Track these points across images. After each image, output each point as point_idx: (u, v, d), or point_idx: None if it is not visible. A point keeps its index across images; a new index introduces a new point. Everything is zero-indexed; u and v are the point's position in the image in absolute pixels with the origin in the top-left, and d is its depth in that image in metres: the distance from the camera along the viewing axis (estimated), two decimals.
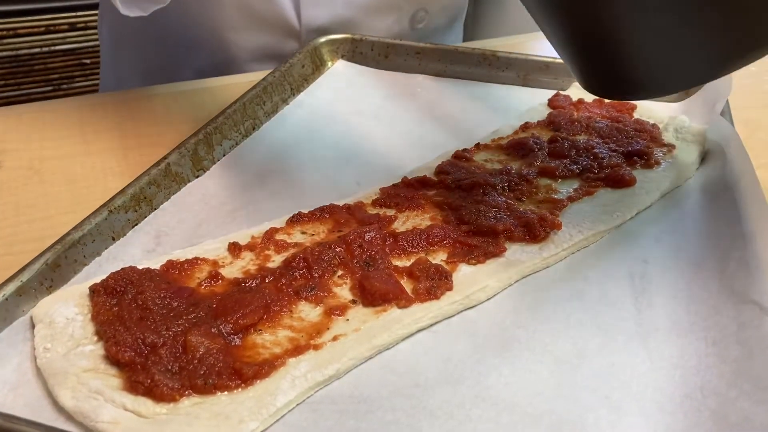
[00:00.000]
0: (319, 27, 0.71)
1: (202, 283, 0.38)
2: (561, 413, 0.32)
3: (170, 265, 0.39)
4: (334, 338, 0.35)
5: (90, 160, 0.52)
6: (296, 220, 0.43)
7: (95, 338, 0.34)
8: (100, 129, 0.56)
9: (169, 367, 0.32)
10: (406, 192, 0.46)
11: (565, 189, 0.47)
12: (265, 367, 0.33)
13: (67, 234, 0.39)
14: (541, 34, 0.39)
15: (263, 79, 0.58)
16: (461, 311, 0.38)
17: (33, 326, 0.35)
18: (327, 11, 0.71)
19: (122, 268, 0.37)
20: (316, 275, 0.39)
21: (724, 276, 0.38)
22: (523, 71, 0.62)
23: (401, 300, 0.37)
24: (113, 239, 0.41)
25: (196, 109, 0.59)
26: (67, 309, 0.36)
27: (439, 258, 0.41)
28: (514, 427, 0.31)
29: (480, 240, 0.41)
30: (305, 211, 0.44)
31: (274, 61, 0.72)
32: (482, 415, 0.32)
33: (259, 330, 0.35)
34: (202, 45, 0.72)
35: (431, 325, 0.37)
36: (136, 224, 0.43)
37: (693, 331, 0.36)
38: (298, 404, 0.32)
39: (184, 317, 0.35)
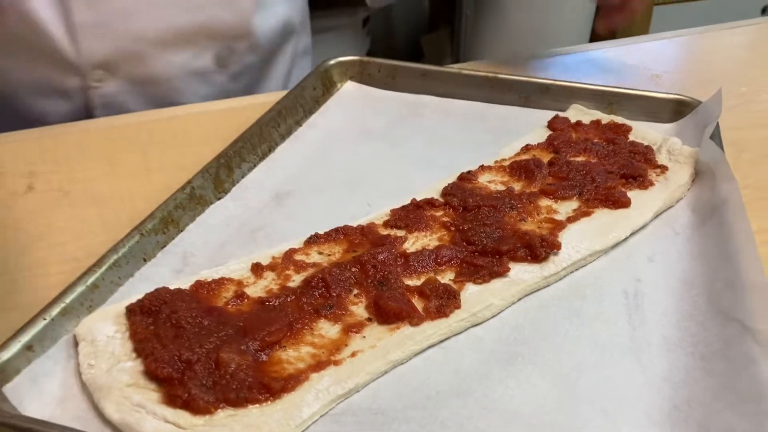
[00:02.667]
0: (102, 61, 0.68)
1: (229, 302, 0.41)
2: (561, 424, 0.35)
3: (199, 285, 0.42)
4: (353, 354, 0.38)
5: (116, 182, 0.55)
6: (313, 240, 0.47)
7: (134, 355, 0.37)
8: (123, 151, 0.60)
9: (204, 382, 0.35)
10: (414, 213, 0.49)
11: (564, 209, 0.50)
12: (290, 382, 0.36)
13: (104, 256, 0.42)
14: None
15: (278, 102, 0.61)
16: (468, 328, 0.41)
17: (76, 344, 0.38)
18: (109, 44, 0.67)
19: (156, 289, 0.40)
20: (334, 294, 0.42)
21: (712, 295, 0.41)
22: (524, 93, 0.65)
23: (413, 318, 0.40)
24: (144, 260, 0.44)
25: (213, 130, 0.62)
26: (106, 328, 0.39)
27: (447, 277, 0.44)
28: None
29: (485, 260, 0.45)
30: (321, 232, 0.47)
31: (62, 98, 0.69)
32: (489, 426, 0.35)
33: (284, 346, 0.38)
34: None
35: (441, 341, 0.40)
36: (165, 246, 0.46)
37: (682, 346, 0.39)
38: (321, 416, 0.35)
39: (215, 335, 0.38)
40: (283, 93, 0.63)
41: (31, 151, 0.59)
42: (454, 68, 0.68)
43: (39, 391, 0.36)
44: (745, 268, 0.40)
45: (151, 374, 0.36)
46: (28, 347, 0.36)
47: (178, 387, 0.35)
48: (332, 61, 0.68)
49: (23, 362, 0.36)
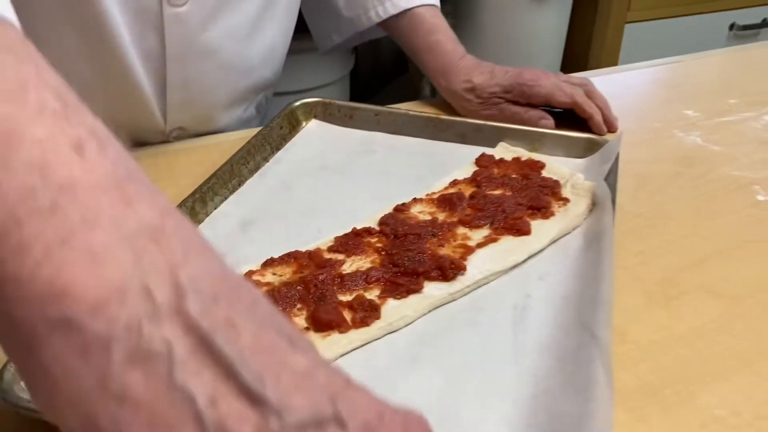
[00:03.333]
0: (182, 126, 0.80)
1: None
2: (445, 408, 0.45)
3: None
4: None
5: None
6: (268, 264, 0.57)
7: None
8: None
9: None
10: (353, 240, 0.60)
11: (476, 236, 0.60)
12: None
13: None
14: None
15: (248, 142, 0.71)
16: (386, 334, 0.52)
17: None
18: (191, 113, 0.79)
19: None
20: (281, 308, 0.52)
21: (579, 308, 0.52)
22: (460, 131, 0.76)
23: (342, 327, 0.51)
24: None
25: (193, 165, 0.73)
26: None
27: (374, 294, 0.54)
28: None
29: (405, 279, 0.55)
30: (276, 256, 0.58)
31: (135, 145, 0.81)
32: None
33: None
34: None
35: (363, 345, 0.51)
36: None
37: (549, 349, 0.49)
38: None
39: None
40: (256, 130, 0.75)
41: None
42: (402, 109, 0.79)
43: None
44: (605, 288, 0.51)
45: None
46: None
47: None
48: (297, 103, 0.79)
49: None
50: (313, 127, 0.79)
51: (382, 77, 2.18)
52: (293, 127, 0.78)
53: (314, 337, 0.50)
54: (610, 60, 2.08)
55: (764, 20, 2.20)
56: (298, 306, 0.53)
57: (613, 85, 0.94)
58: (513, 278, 0.57)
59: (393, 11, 0.85)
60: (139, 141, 0.80)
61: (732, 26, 2.17)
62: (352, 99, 1.93)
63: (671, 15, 2.08)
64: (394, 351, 0.50)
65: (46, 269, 0.20)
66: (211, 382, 0.20)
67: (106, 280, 0.20)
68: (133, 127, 0.79)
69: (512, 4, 1.78)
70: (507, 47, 1.80)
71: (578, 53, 2.13)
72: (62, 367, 0.20)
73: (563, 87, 0.78)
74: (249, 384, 0.20)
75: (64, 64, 0.74)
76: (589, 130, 0.78)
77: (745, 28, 2.18)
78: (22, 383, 0.45)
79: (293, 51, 0.91)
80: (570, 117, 0.80)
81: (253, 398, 0.20)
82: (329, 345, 0.50)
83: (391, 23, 0.88)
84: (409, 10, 0.85)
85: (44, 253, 0.20)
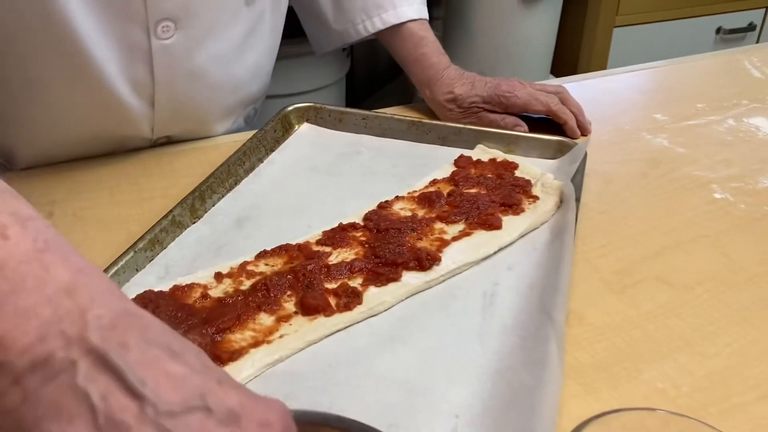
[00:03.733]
0: (168, 135, 0.84)
1: (196, 300, 0.57)
2: (416, 384, 0.51)
3: (175, 288, 0.58)
4: (281, 336, 0.54)
5: (116, 209, 0.72)
6: (262, 255, 0.63)
7: None
8: (122, 183, 0.76)
9: None
10: (340, 234, 0.65)
11: (452, 231, 0.66)
12: (235, 355, 0.52)
13: (108, 267, 0.58)
14: None
15: (243, 144, 0.77)
16: (366, 318, 0.57)
17: None
18: (178, 127, 0.83)
19: (144, 291, 0.57)
20: (272, 295, 0.58)
21: (542, 295, 0.58)
22: (441, 134, 0.82)
23: (327, 311, 0.57)
24: (136, 270, 0.61)
25: (192, 165, 0.79)
26: None
27: (357, 282, 0.60)
28: (386, 392, 0.50)
29: (385, 269, 0.61)
30: (269, 248, 0.63)
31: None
32: (368, 384, 0.51)
33: (233, 331, 0.55)
34: None
35: (345, 328, 0.56)
36: (152, 260, 0.62)
37: (514, 332, 0.55)
38: (255, 377, 0.52)
39: (185, 323, 0.54)
40: (252, 133, 0.80)
41: (51, 184, 0.75)
42: (388, 113, 0.85)
43: None
44: (563, 277, 0.57)
45: None
46: None
47: None
48: (290, 107, 0.85)
49: None
50: (304, 130, 0.85)
51: (377, 80, 2.23)
52: (286, 130, 0.84)
53: (303, 320, 0.56)
54: (599, 63, 2.14)
55: (750, 24, 2.26)
56: (288, 293, 0.59)
57: (590, 91, 1.00)
58: (484, 268, 0.63)
59: (381, 26, 0.90)
60: (124, 148, 0.83)
61: (719, 30, 2.23)
62: (348, 101, 1.98)
63: (659, 19, 2.14)
64: (374, 332, 0.56)
65: None
66: (104, 385, 0.27)
67: (31, 330, 0.28)
68: (118, 137, 0.81)
69: (503, 9, 1.83)
70: (498, 52, 1.85)
71: (568, 57, 2.19)
72: None
73: (539, 96, 0.84)
74: (132, 384, 0.27)
75: (49, 88, 0.79)
76: (565, 133, 0.84)
77: (732, 31, 2.24)
78: None
79: (290, 55, 0.95)
80: (548, 121, 0.86)
81: (135, 395, 0.27)
82: (316, 327, 0.55)
83: (380, 35, 0.93)
84: (397, 25, 0.90)
85: None
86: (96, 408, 0.27)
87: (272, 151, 0.80)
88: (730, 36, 2.24)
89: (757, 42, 2.28)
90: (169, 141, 0.85)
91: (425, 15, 0.92)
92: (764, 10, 2.27)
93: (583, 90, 0.99)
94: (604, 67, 2.12)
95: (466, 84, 0.86)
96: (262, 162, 0.79)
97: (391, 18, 0.89)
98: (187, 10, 0.72)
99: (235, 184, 0.74)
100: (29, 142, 0.79)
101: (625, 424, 0.41)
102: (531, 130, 0.83)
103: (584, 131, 0.85)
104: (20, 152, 0.80)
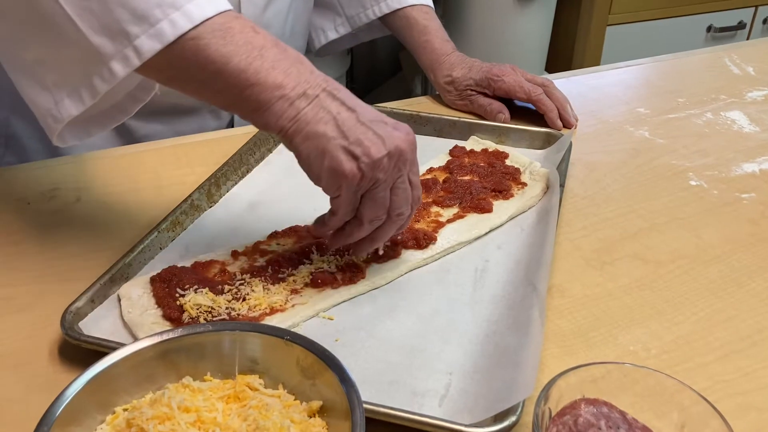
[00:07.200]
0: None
1: (215, 275, 0.63)
2: (414, 345, 0.57)
3: (196, 264, 0.64)
4: (293, 306, 0.61)
5: (138, 196, 0.78)
6: (273, 236, 0.69)
7: (156, 306, 0.60)
8: (143, 172, 0.82)
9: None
10: None
11: (447, 214, 0.72)
12: (253, 321, 0.58)
13: (135, 246, 0.64)
14: None
15: (254, 135, 0.83)
16: (369, 291, 0.63)
17: (119, 300, 0.61)
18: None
19: (168, 266, 0.63)
20: (285, 270, 0.64)
21: (528, 269, 0.64)
22: (438, 126, 0.88)
23: (334, 284, 0.63)
24: (160, 249, 0.67)
25: (208, 155, 0.85)
26: (137, 290, 0.61)
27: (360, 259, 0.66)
28: (387, 353, 0.56)
29: (386, 248, 0.67)
30: (280, 229, 0.70)
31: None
32: (372, 345, 0.57)
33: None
34: None
35: (350, 299, 0.62)
36: (174, 239, 0.69)
37: (502, 301, 0.61)
38: None
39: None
40: None
41: (79, 172, 0.81)
42: (387, 107, 0.91)
43: (98, 327, 0.58)
44: (546, 253, 0.63)
45: (166, 317, 0.58)
46: (92, 300, 0.59)
47: (180, 323, 0.58)
48: None
49: (88, 309, 0.59)
50: None
51: (378, 76, 2.29)
52: None
53: (312, 292, 0.62)
54: (593, 60, 2.20)
55: (740, 22, 2.32)
56: (299, 268, 0.65)
57: (578, 86, 1.06)
58: (475, 247, 0.69)
59: (386, 10, 1.01)
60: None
61: (709, 28, 2.29)
62: None
63: (651, 18, 2.20)
64: (376, 303, 0.62)
65: (258, 74, 0.53)
66: (335, 106, 0.55)
67: (293, 79, 0.54)
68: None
69: (498, 8, 1.89)
70: (493, 50, 1.91)
71: (562, 55, 2.25)
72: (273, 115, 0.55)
73: (523, 84, 0.91)
74: (350, 106, 0.55)
75: None
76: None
77: (722, 30, 2.30)
78: (80, 323, 0.57)
79: None
80: (537, 113, 0.92)
81: (352, 110, 0.55)
82: (324, 297, 0.61)
83: (389, 23, 1.02)
84: (401, 9, 1.00)
85: (256, 70, 0.53)
86: (335, 117, 0.54)
87: (280, 142, 0.86)
88: (720, 34, 2.30)
89: (747, 40, 2.34)
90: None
91: (428, 2, 1.01)
92: (754, 9, 2.32)
93: (572, 85, 1.05)
94: (597, 64, 2.17)
95: (464, 68, 0.94)
96: (272, 152, 0.85)
97: (394, 3, 1.00)
98: None
99: (247, 172, 0.80)
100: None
101: (594, 375, 0.47)
102: (519, 119, 0.89)
103: (567, 124, 0.91)
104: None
